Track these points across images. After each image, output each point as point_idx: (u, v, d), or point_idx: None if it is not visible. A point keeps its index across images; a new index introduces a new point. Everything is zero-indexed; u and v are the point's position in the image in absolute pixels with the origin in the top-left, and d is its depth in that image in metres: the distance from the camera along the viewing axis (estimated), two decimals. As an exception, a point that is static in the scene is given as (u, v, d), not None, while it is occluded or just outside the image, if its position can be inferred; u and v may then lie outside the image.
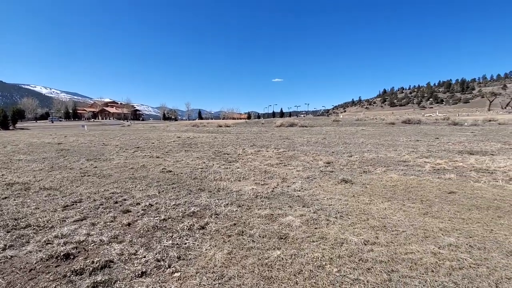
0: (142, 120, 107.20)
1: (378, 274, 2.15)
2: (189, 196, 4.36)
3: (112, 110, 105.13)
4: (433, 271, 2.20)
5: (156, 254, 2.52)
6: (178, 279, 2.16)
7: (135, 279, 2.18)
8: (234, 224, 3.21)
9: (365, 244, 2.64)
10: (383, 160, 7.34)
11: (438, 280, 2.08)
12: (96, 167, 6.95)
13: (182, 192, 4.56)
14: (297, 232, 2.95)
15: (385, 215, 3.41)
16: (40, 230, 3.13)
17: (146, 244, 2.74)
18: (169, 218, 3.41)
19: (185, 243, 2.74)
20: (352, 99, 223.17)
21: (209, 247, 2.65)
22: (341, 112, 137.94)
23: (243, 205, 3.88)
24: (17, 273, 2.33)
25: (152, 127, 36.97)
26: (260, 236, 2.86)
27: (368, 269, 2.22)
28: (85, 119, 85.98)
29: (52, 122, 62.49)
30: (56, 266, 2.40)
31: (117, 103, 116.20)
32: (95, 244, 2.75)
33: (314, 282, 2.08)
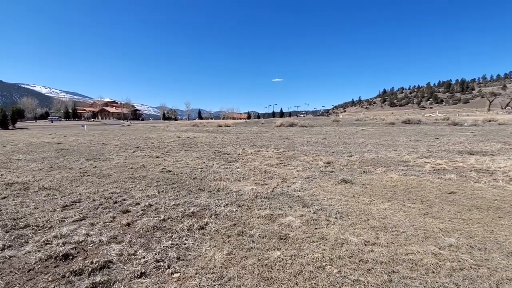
0: (142, 120, 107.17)
1: (378, 275, 2.14)
2: (188, 196, 4.35)
3: (112, 110, 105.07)
4: (433, 272, 2.19)
5: (156, 254, 2.51)
6: (178, 280, 2.15)
7: (134, 279, 2.17)
8: (234, 224, 3.20)
9: (365, 245, 2.63)
10: (383, 160, 7.33)
11: (439, 281, 2.07)
12: (95, 167, 6.93)
13: (181, 192, 4.55)
14: (297, 232, 2.94)
15: (386, 216, 3.40)
16: (39, 230, 3.12)
17: (146, 245, 2.73)
18: (168, 218, 3.40)
19: (185, 244, 2.73)
20: (352, 99, 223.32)
21: (208, 248, 2.64)
22: (341, 112, 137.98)
23: (243, 205, 3.87)
24: (15, 273, 2.31)
25: (152, 127, 36.95)
26: (260, 237, 2.84)
27: (369, 270, 2.21)
28: (85, 118, 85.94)
29: (52, 122, 62.45)
30: (55, 267, 2.39)
31: (117, 102, 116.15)
32: (94, 245, 2.74)
33: (314, 283, 2.07)
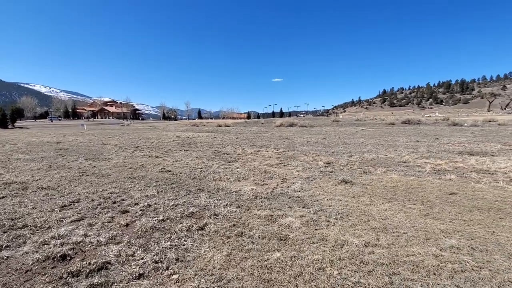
0: (142, 119, 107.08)
1: (379, 277, 2.12)
2: (188, 196, 4.33)
3: (112, 109, 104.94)
4: (435, 274, 2.17)
5: (154, 255, 2.49)
6: (176, 282, 2.13)
7: (132, 281, 2.14)
8: (234, 225, 3.17)
9: (366, 246, 2.61)
10: (383, 160, 7.31)
11: (440, 284, 2.05)
12: (94, 166, 6.90)
13: (181, 192, 4.52)
14: (297, 233, 2.92)
15: (386, 216, 3.38)
16: (37, 230, 3.10)
17: (144, 245, 2.71)
18: (167, 218, 3.38)
19: (184, 245, 2.70)
20: (352, 99, 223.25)
21: (207, 249, 2.61)
22: (341, 112, 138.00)
23: (242, 205, 3.85)
24: (13, 274, 2.29)
25: (152, 126, 36.91)
26: (259, 238, 2.82)
27: (369, 272, 2.19)
28: (84, 118, 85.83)
29: (51, 121, 62.35)
30: (52, 268, 2.37)
31: (117, 102, 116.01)
32: (92, 245, 2.72)
33: (315, 285, 2.05)
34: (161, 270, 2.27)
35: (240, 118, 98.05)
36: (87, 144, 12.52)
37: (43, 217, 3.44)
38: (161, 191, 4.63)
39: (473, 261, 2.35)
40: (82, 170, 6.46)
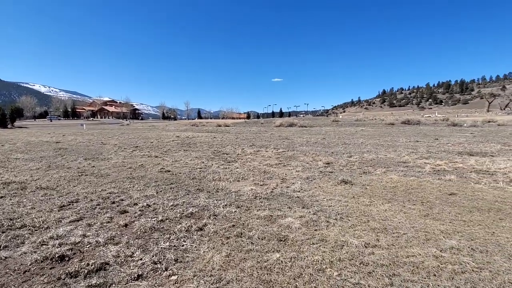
0: (141, 119, 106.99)
1: (379, 278, 2.11)
2: (187, 196, 4.31)
3: (111, 109, 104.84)
4: (435, 275, 2.16)
5: (153, 256, 2.47)
6: (175, 283, 2.11)
7: (131, 282, 2.13)
8: (233, 225, 3.16)
9: (365, 247, 2.60)
10: (383, 160, 7.31)
11: (440, 285, 2.04)
12: (94, 166, 6.88)
13: (180, 193, 4.51)
14: (296, 234, 2.91)
15: (386, 217, 3.37)
16: (36, 230, 3.08)
17: (143, 246, 2.69)
18: (166, 219, 3.36)
19: (183, 245, 2.69)
20: (352, 100, 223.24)
21: (207, 249, 2.60)
22: (341, 113, 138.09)
23: (242, 206, 3.84)
24: (11, 274, 2.27)
25: (151, 126, 36.87)
26: (259, 238, 2.81)
27: (369, 273, 2.18)
28: (84, 118, 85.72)
29: (51, 121, 62.25)
30: (50, 268, 2.35)
31: (116, 102, 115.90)
32: (90, 246, 2.70)
33: (315, 286, 2.03)
34: (160, 271, 2.26)
35: (240, 118, 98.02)
36: (87, 143, 12.50)
37: (41, 217, 3.42)
38: (160, 191, 4.61)
39: (473, 262, 2.34)
40: (81, 170, 6.44)
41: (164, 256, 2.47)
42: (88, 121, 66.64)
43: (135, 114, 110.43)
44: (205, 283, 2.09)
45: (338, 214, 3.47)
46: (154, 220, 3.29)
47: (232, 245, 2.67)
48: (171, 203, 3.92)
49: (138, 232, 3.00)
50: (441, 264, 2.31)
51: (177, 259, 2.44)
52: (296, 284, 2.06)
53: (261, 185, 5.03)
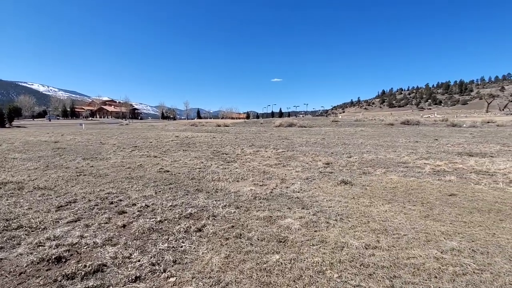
0: (141, 119, 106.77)
1: (380, 280, 2.09)
2: (186, 197, 4.28)
3: (110, 108, 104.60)
4: (436, 277, 2.14)
5: (151, 257, 2.44)
6: (174, 285, 2.08)
7: (129, 284, 2.10)
8: (232, 226, 3.13)
9: (366, 248, 2.57)
10: (382, 161, 7.30)
11: (442, 287, 2.02)
12: (92, 166, 6.84)
13: (179, 193, 4.48)
14: (296, 235, 2.88)
15: (386, 218, 3.35)
16: (32, 231, 3.04)
17: (141, 247, 2.66)
18: (165, 219, 3.33)
19: (181, 246, 2.66)
20: (351, 100, 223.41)
21: (205, 251, 2.57)
22: (340, 113, 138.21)
23: (241, 206, 3.81)
24: (6, 276, 2.24)
25: (151, 126, 36.80)
26: (258, 239, 2.78)
27: (370, 275, 2.16)
28: (83, 117, 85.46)
29: (50, 120, 62.05)
30: (47, 270, 2.32)
31: (115, 101, 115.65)
32: (88, 247, 2.67)
33: (314, 288, 2.01)
34: (158, 273, 2.23)
35: (239, 118, 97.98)
36: (85, 143, 12.44)
37: (38, 217, 3.39)
38: (159, 191, 4.58)
39: (474, 263, 2.33)
40: (80, 170, 6.40)
41: (162, 258, 2.45)
42: (87, 120, 66.45)
43: (134, 114, 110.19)
44: (203, 285, 2.06)
45: (338, 215, 3.44)
46: (153, 221, 3.26)
47: (231, 246, 2.64)
48: (170, 204, 3.89)
49: (136, 233, 2.96)
50: (442, 265, 2.29)
51: (176, 261, 2.41)
52: (296, 286, 2.04)
53: (260, 185, 5.01)
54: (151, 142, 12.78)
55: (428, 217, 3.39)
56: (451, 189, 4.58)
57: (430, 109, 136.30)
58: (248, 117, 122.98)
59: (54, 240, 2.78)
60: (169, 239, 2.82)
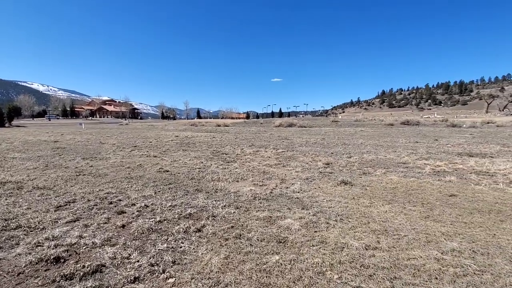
0: (141, 118, 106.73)
1: (380, 281, 2.07)
2: (186, 197, 4.27)
3: (110, 108, 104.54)
4: (437, 278, 2.13)
5: (150, 258, 2.43)
6: (173, 286, 2.07)
7: (127, 285, 2.09)
8: (232, 226, 3.12)
9: (366, 249, 2.56)
10: (382, 161, 7.29)
11: (442, 288, 2.01)
12: (92, 166, 6.83)
13: (178, 193, 4.47)
14: (296, 235, 2.87)
15: (386, 219, 3.34)
16: (31, 231, 3.03)
17: (140, 248, 2.65)
18: (164, 220, 3.32)
19: (181, 247, 2.65)
20: (351, 100, 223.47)
21: (205, 251, 2.56)
22: (340, 113, 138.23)
23: (241, 206, 3.80)
24: (4, 277, 2.23)
25: (150, 126, 36.78)
26: (258, 240, 2.77)
27: (370, 276, 2.15)
28: (82, 117, 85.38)
29: (49, 120, 61.99)
30: (45, 270, 2.31)
31: (115, 101, 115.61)
32: (87, 247, 2.66)
33: (314, 290, 2.00)
34: (157, 273, 2.22)
35: (239, 118, 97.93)
36: (85, 143, 12.43)
37: (37, 217, 3.37)
38: (159, 191, 4.57)
39: (475, 264, 2.32)
40: (79, 169, 6.39)
41: (161, 258, 2.43)
42: (87, 120, 66.39)
43: (134, 114, 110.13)
44: (203, 286, 2.05)
45: (338, 215, 3.43)
46: (152, 221, 3.24)
47: (231, 247, 2.63)
48: (169, 204, 3.88)
49: (136, 233, 2.95)
50: (443, 267, 2.28)
51: (175, 261, 2.39)
52: (296, 287, 2.02)
53: (260, 185, 4.99)
54: (150, 142, 12.76)
55: (429, 217, 3.38)
56: (451, 189, 4.57)
57: (430, 109, 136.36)
58: (248, 117, 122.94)
59: (52, 240, 2.76)
60: (168, 239, 2.81)
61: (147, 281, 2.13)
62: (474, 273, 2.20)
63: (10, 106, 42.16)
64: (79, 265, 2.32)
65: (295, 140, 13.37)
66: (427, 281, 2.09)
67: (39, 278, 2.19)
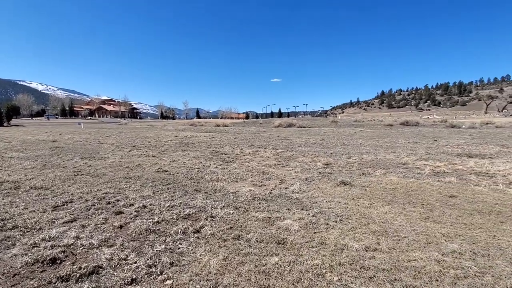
0: (140, 118, 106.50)
1: (381, 284, 2.05)
2: (184, 197, 4.24)
3: (109, 108, 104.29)
4: (437, 280, 2.11)
5: (148, 259, 2.40)
6: (170, 287, 2.04)
7: (125, 286, 2.06)
8: (231, 227, 3.09)
9: (366, 251, 2.54)
10: (382, 162, 7.27)
11: (443, 291, 1.99)
12: (90, 166, 6.79)
13: (177, 193, 4.44)
14: (295, 236, 2.85)
15: (386, 220, 3.32)
16: (27, 232, 3.00)
17: (138, 249, 2.62)
18: (163, 220, 3.29)
19: (179, 248, 2.62)
20: (350, 100, 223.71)
21: (203, 253, 2.53)
22: (339, 113, 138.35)
23: (240, 207, 3.77)
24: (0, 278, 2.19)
25: (150, 125, 36.70)
26: (257, 241, 2.75)
27: (370, 278, 2.12)
28: (81, 116, 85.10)
29: (48, 119, 61.76)
30: (41, 272, 2.27)
31: (115, 101, 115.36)
32: (84, 248, 2.63)
33: (314, 292, 1.97)
34: (154, 275, 2.19)
35: (239, 118, 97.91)
36: (84, 142, 12.37)
37: (34, 218, 3.34)
38: (157, 191, 4.53)
39: (475, 266, 2.30)
40: (77, 169, 6.35)
41: (159, 259, 2.40)
42: (86, 120, 66.19)
43: (133, 113, 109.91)
44: (201, 288, 2.03)
45: (338, 216, 3.41)
46: (150, 222, 3.21)
47: (230, 248, 2.60)
48: (168, 204, 3.85)
49: (133, 234, 2.92)
50: (443, 268, 2.26)
51: (173, 263, 2.37)
52: (295, 290, 2.00)
53: (259, 186, 4.97)
54: (149, 142, 12.72)
55: (429, 218, 3.36)
56: (451, 190, 4.56)
57: (429, 110, 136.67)
58: (247, 117, 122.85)
59: (49, 241, 2.73)
60: (167, 240, 2.78)
61: (144, 283, 2.10)
62: (475, 275, 2.18)
63: (9, 105, 42.01)
64: (75, 266, 2.29)
65: (295, 141, 13.34)
66: (427, 283, 2.07)
67: (34, 280, 2.16)
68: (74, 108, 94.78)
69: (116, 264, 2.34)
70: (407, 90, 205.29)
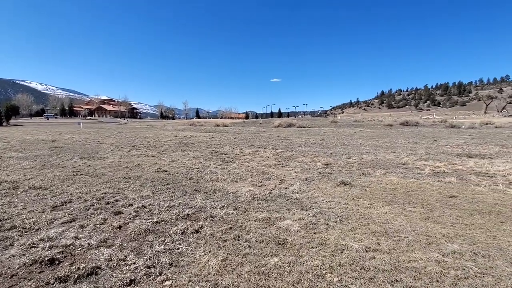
0: (139, 118, 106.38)
1: (381, 284, 2.04)
2: (184, 197, 4.23)
3: (109, 107, 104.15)
4: (438, 281, 2.10)
5: (147, 260, 2.38)
6: (169, 288, 2.03)
7: (123, 287, 2.04)
8: (230, 228, 3.08)
9: (366, 251, 2.53)
10: (382, 162, 7.26)
11: (444, 291, 1.98)
12: (89, 165, 6.77)
13: (177, 193, 4.42)
14: (295, 237, 2.83)
15: (386, 220, 3.31)
16: (26, 232, 2.98)
17: (137, 249, 2.60)
18: (162, 220, 3.27)
19: (178, 248, 2.61)
20: (350, 100, 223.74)
21: (203, 253, 2.52)
22: (339, 113, 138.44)
23: (239, 207, 3.76)
24: (-3, 279, 2.18)
25: (149, 125, 36.66)
26: (257, 241, 2.73)
27: (371, 279, 2.11)
28: (81, 116, 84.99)
29: (48, 119, 61.65)
30: (39, 272, 2.26)
31: (114, 100, 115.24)
32: (82, 249, 2.61)
33: (314, 293, 1.96)
34: (153, 276, 2.17)
35: (238, 118, 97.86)
36: (83, 142, 12.35)
37: (32, 218, 3.32)
38: (157, 191, 4.52)
39: (476, 267, 2.29)
40: (76, 169, 6.33)
41: (158, 260, 2.39)
42: (85, 119, 66.11)
43: (133, 113, 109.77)
44: (200, 289, 2.01)
45: (338, 216, 3.40)
46: (149, 222, 3.20)
47: (229, 249, 2.59)
48: (167, 204, 3.83)
49: (132, 234, 2.91)
50: (444, 269, 2.25)
51: (172, 263, 2.35)
52: (295, 290, 1.99)
53: (259, 186, 4.95)
54: (149, 142, 12.70)
55: (429, 219, 3.35)
56: (451, 190, 4.55)
57: (429, 110, 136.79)
58: (247, 117, 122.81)
59: (47, 241, 2.71)
60: (166, 240, 2.76)
61: (143, 284, 2.08)
62: (476, 276, 2.17)
63: (8, 105, 41.90)
64: (74, 267, 2.27)
65: (294, 141, 13.34)
66: (428, 284, 2.06)
67: (32, 281, 2.14)
68: (74, 108, 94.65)
69: (115, 264, 2.33)
70: (407, 90, 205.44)
